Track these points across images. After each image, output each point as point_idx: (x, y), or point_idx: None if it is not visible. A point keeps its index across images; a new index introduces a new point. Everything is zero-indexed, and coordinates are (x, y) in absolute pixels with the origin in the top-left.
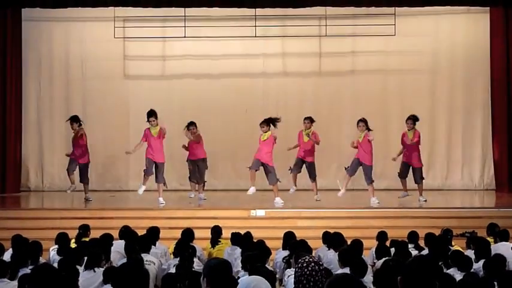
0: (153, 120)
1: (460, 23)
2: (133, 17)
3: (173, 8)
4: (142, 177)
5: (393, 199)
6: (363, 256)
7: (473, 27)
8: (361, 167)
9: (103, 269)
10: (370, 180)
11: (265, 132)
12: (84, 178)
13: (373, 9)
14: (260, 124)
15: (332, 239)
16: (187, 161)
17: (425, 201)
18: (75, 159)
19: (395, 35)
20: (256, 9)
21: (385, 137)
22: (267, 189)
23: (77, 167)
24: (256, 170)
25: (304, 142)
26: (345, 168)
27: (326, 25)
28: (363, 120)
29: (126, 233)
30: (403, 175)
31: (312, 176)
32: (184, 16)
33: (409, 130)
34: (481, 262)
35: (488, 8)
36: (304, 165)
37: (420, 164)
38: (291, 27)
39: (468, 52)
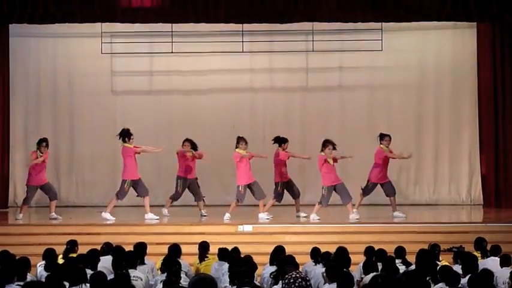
0: (133, 139)
1: (447, 38)
2: (120, 33)
3: (160, 24)
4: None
5: (380, 214)
6: (350, 270)
7: (460, 43)
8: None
9: (88, 285)
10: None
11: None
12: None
13: (360, 25)
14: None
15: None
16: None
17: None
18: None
19: (382, 50)
20: (243, 24)
21: (372, 152)
22: (255, 205)
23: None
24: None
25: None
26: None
27: (313, 40)
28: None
29: (109, 249)
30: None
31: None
32: (172, 32)
33: (387, 147)
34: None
35: (475, 23)
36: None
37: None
38: (278, 43)
39: (455, 67)
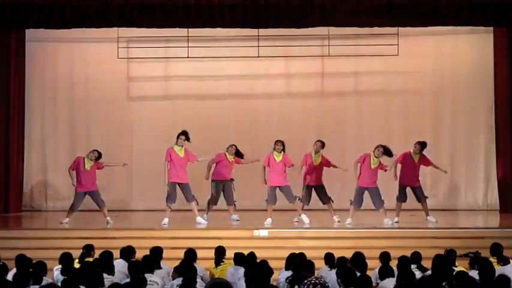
0: (182, 139)
1: (464, 43)
2: (136, 38)
3: (176, 29)
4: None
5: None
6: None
7: (476, 48)
8: (367, 192)
9: None
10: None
11: (279, 152)
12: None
13: (375, 30)
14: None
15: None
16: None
17: (436, 221)
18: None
19: (398, 55)
20: (259, 29)
21: (388, 158)
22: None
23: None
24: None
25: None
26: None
27: (329, 45)
28: (383, 146)
29: (129, 252)
30: (401, 198)
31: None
32: (188, 36)
33: (415, 153)
34: None
35: (492, 28)
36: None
37: (419, 183)
38: (294, 48)
39: (472, 72)
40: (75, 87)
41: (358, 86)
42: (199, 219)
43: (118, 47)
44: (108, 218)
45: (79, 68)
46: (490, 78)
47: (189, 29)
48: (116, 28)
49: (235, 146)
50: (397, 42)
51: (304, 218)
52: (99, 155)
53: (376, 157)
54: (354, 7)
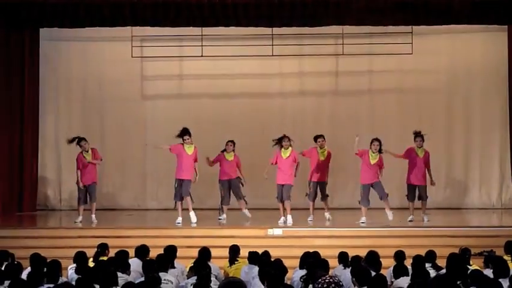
0: (188, 139)
1: (478, 42)
2: (150, 36)
3: (190, 27)
4: (176, 204)
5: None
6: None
7: (490, 46)
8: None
9: None
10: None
11: (287, 148)
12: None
13: (389, 28)
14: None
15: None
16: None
17: (429, 221)
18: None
19: (412, 53)
20: (273, 28)
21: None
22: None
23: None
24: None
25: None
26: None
27: (343, 44)
28: (378, 140)
29: (143, 251)
30: (412, 198)
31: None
32: (201, 35)
33: (419, 148)
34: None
35: (506, 26)
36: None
37: (425, 182)
38: (307, 46)
39: (486, 71)
40: (89, 86)
41: (372, 84)
42: (191, 214)
43: (132, 46)
44: (93, 215)
45: (93, 67)
46: (504, 76)
47: (203, 28)
48: (130, 27)
49: (233, 143)
50: (411, 41)
51: (289, 218)
52: (78, 139)
53: (374, 152)
54: (367, 5)
